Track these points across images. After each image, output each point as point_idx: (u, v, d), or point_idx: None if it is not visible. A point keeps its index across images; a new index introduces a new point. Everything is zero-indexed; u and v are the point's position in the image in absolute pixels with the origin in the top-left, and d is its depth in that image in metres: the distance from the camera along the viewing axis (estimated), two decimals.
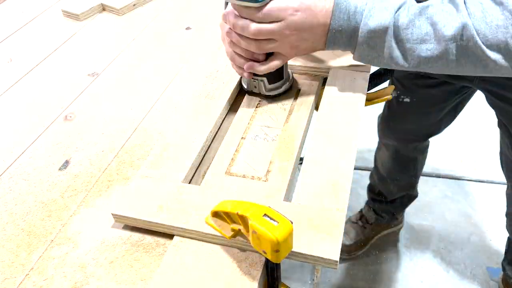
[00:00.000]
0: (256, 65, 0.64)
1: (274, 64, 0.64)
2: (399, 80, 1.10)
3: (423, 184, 1.73)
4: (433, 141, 1.30)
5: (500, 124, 1.01)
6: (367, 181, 1.51)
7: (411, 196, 1.49)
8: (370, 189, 1.51)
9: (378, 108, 1.21)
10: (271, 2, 0.58)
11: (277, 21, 0.58)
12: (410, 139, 1.27)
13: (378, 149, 1.40)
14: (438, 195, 1.73)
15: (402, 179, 1.39)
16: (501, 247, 1.42)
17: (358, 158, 1.78)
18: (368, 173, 1.51)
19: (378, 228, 1.56)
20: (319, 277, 1.49)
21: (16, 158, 0.65)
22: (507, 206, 1.19)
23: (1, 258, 0.52)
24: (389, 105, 1.22)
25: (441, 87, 1.03)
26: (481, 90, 0.97)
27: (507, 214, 1.22)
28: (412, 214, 1.65)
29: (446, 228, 1.60)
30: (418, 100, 1.11)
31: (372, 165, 1.47)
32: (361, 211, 1.57)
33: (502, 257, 1.38)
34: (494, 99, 0.95)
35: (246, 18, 0.59)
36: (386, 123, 1.27)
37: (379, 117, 1.30)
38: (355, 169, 1.72)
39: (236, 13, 0.60)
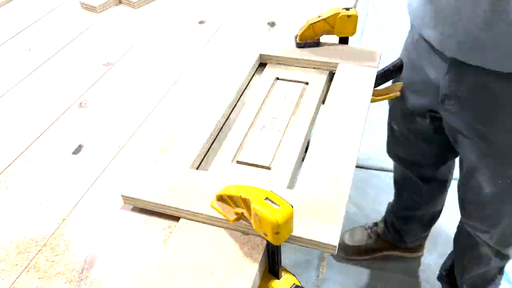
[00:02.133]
0: None
1: None
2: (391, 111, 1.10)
3: None
4: None
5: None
6: (377, 181, 1.50)
7: (414, 222, 1.37)
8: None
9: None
10: None
11: None
12: (409, 166, 1.22)
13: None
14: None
15: (406, 198, 1.32)
16: None
17: (372, 158, 1.77)
18: (381, 173, 1.47)
19: (382, 244, 1.48)
20: (324, 274, 1.50)
21: (32, 141, 0.68)
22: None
23: (16, 233, 0.55)
24: (388, 134, 1.20)
25: (426, 118, 1.00)
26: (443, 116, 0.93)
27: (459, 225, 1.19)
28: None
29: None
30: (403, 129, 1.09)
31: (386, 166, 1.43)
32: (376, 222, 1.52)
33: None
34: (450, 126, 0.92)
35: None
36: (387, 145, 1.25)
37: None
38: (365, 168, 1.74)
39: None
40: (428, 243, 1.56)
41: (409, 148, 1.15)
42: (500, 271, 1.19)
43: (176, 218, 0.54)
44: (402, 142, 1.14)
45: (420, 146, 1.11)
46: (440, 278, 1.35)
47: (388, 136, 1.21)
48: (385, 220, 1.48)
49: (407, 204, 1.33)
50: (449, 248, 1.52)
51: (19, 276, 0.50)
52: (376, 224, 1.52)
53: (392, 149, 1.24)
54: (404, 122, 1.08)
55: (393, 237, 1.45)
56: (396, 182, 1.35)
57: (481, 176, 0.93)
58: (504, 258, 1.10)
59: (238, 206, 0.49)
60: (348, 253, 1.51)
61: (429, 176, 1.21)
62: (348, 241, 1.51)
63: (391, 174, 1.77)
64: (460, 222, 1.16)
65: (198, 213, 0.52)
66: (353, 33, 0.76)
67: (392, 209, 1.42)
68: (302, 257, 1.53)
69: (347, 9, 0.74)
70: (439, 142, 1.06)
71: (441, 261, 1.49)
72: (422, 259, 1.52)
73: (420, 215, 1.34)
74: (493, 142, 0.85)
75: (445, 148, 1.06)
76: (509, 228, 1.00)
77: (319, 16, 0.76)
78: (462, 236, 1.17)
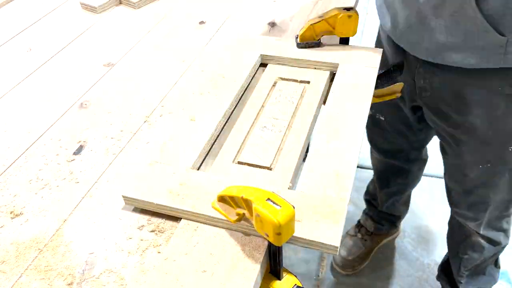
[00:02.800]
0: None
1: None
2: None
3: (432, 186, 1.74)
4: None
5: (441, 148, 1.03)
6: None
7: (407, 204, 1.46)
8: (367, 191, 1.49)
9: None
10: None
11: None
12: (395, 150, 1.25)
13: (371, 152, 1.36)
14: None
15: (393, 186, 1.36)
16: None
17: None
18: None
19: (378, 238, 1.51)
20: (324, 274, 1.50)
21: (32, 142, 0.68)
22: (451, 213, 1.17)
23: (16, 234, 0.55)
24: (367, 125, 1.20)
25: (402, 111, 1.04)
26: (423, 106, 0.97)
27: (449, 222, 1.22)
28: (420, 214, 1.65)
29: None
30: (391, 119, 1.12)
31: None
32: (358, 222, 1.53)
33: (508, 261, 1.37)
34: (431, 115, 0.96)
35: None
36: (369, 140, 1.27)
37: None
38: (365, 168, 1.73)
39: None
40: (427, 243, 1.56)
41: (397, 138, 1.17)
42: (496, 263, 1.21)
43: (177, 219, 0.54)
44: (389, 132, 1.16)
45: (407, 134, 1.14)
46: (439, 277, 1.36)
47: (371, 130, 1.24)
48: (371, 217, 1.49)
49: (395, 190, 1.38)
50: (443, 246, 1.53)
51: (20, 277, 0.50)
52: (360, 225, 1.52)
53: (377, 142, 1.26)
54: (391, 112, 1.10)
55: (388, 227, 1.50)
56: (381, 174, 1.36)
57: (463, 163, 0.96)
58: (496, 244, 1.13)
59: (239, 207, 0.49)
60: (355, 266, 1.48)
61: (414, 158, 1.27)
62: (349, 256, 1.47)
63: None
64: (451, 216, 1.19)
65: (199, 213, 0.52)
66: (353, 33, 0.76)
67: (380, 202, 1.43)
68: (302, 257, 1.53)
69: (348, 9, 0.74)
70: (426, 129, 1.11)
71: (438, 258, 1.50)
72: (422, 259, 1.52)
73: (407, 195, 1.42)
74: (469, 129, 0.89)
75: (431, 133, 1.14)
76: (495, 213, 1.04)
77: (320, 17, 0.76)
78: (454, 229, 1.20)
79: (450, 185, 1.08)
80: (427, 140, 1.21)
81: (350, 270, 1.48)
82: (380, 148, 1.27)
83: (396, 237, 1.57)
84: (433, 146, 1.84)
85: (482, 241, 1.11)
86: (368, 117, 1.16)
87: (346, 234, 1.54)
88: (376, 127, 1.19)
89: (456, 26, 0.74)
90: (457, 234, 1.18)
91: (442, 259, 1.35)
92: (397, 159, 1.27)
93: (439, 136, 1.01)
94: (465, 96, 0.84)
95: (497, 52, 0.74)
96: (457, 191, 1.05)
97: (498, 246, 1.14)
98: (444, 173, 1.09)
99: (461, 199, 1.06)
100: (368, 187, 1.49)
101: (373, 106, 1.10)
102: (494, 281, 1.25)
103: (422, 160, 1.32)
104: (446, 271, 1.31)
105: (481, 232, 1.08)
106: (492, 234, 1.10)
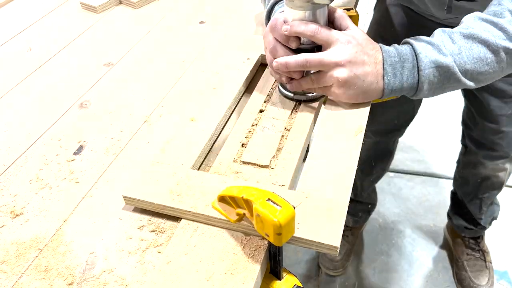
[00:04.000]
0: (303, 83, 0.65)
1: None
2: None
3: (433, 185, 1.74)
4: (441, 144, 1.30)
5: (466, 94, 1.10)
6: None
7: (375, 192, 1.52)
8: None
9: None
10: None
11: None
12: (390, 129, 1.28)
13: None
14: (447, 196, 1.73)
15: (375, 172, 1.41)
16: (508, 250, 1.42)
17: None
18: None
19: (356, 231, 1.54)
20: (324, 274, 1.50)
21: (33, 142, 0.68)
22: (457, 169, 1.34)
23: (17, 234, 0.55)
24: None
25: None
26: None
27: (457, 177, 1.36)
28: (419, 215, 1.65)
29: None
30: None
31: None
32: None
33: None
34: None
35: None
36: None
37: None
38: None
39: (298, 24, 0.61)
40: (427, 243, 1.56)
41: (392, 112, 1.19)
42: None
43: (178, 219, 0.54)
44: (390, 105, 1.16)
45: (401, 108, 1.18)
46: (454, 225, 1.46)
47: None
48: (349, 212, 1.47)
49: (375, 177, 1.43)
50: (449, 249, 1.53)
51: (20, 277, 0.50)
52: None
53: (378, 120, 1.26)
54: None
55: (364, 217, 1.54)
56: (366, 160, 1.36)
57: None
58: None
59: (239, 207, 0.49)
60: (344, 265, 1.49)
61: (397, 138, 1.35)
62: (335, 256, 1.47)
63: (391, 174, 1.78)
64: (463, 165, 1.30)
65: (199, 214, 0.52)
66: None
67: (359, 192, 1.44)
68: (302, 257, 1.54)
69: (348, 9, 0.74)
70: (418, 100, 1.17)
71: (437, 259, 1.51)
72: (422, 259, 1.52)
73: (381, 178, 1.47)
74: None
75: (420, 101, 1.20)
76: None
77: None
78: (470, 175, 1.29)
79: (485, 127, 1.11)
80: (417, 111, 1.24)
81: (341, 270, 1.49)
82: (376, 123, 1.25)
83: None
84: (433, 146, 1.85)
85: (503, 175, 1.21)
86: None
87: None
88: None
89: None
90: (475, 178, 1.25)
91: (448, 210, 1.47)
92: (388, 135, 1.31)
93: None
94: None
95: None
96: (495, 130, 1.09)
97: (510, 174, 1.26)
98: (469, 121, 1.15)
99: (495, 138, 1.11)
100: None
101: None
102: (498, 206, 1.39)
103: (397, 141, 1.39)
104: (459, 214, 1.41)
105: (507, 166, 1.19)
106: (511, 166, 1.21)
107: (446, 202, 1.69)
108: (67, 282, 0.49)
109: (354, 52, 0.61)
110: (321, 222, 0.50)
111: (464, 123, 1.21)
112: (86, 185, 0.61)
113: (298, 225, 0.49)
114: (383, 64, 0.62)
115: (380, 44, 0.64)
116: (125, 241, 0.53)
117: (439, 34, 0.63)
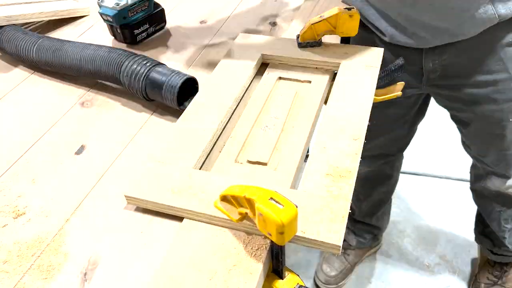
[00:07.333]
0: None
1: None
2: None
3: (431, 186, 1.74)
4: (442, 144, 1.29)
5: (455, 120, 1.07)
6: None
7: (386, 214, 1.45)
8: None
9: None
10: None
11: None
12: (383, 155, 1.24)
13: None
14: (447, 196, 1.73)
15: (376, 195, 1.35)
16: None
17: None
18: None
19: (360, 252, 1.49)
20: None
21: (34, 142, 0.68)
22: (470, 181, 1.26)
23: (19, 234, 0.55)
24: None
25: (395, 105, 1.03)
26: (431, 94, 1.02)
27: (471, 189, 1.27)
28: (419, 215, 1.65)
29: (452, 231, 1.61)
30: (378, 121, 1.11)
31: None
32: None
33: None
34: (443, 100, 1.00)
35: None
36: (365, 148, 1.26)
37: None
38: None
39: None
40: (427, 243, 1.56)
41: (387, 136, 1.16)
42: None
43: (180, 218, 0.54)
44: (380, 132, 1.14)
45: (397, 133, 1.15)
46: (481, 243, 1.38)
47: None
48: (352, 231, 1.45)
49: (380, 199, 1.37)
50: (449, 249, 1.53)
51: (22, 277, 0.50)
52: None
53: (368, 147, 1.25)
54: (380, 114, 1.09)
55: (370, 240, 1.47)
56: (365, 183, 1.31)
57: (493, 124, 0.97)
58: None
59: (242, 206, 0.49)
60: (338, 282, 1.45)
61: (398, 163, 1.31)
62: (332, 271, 1.45)
63: None
64: (474, 180, 1.22)
65: (201, 213, 0.52)
66: (354, 33, 0.76)
67: (359, 213, 1.40)
68: (303, 257, 1.54)
69: (349, 9, 0.74)
70: (414, 121, 1.14)
71: (441, 261, 1.50)
72: (422, 259, 1.52)
73: (389, 204, 1.41)
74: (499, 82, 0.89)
75: (415, 126, 1.18)
76: None
77: (320, 16, 0.76)
78: (482, 191, 1.22)
79: (484, 149, 1.08)
80: (411, 137, 1.22)
81: (334, 286, 1.45)
82: (367, 150, 1.25)
83: (378, 250, 1.55)
84: (432, 146, 1.85)
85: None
86: None
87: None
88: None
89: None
90: (487, 191, 1.19)
91: (474, 228, 1.38)
92: (382, 160, 1.25)
93: (453, 111, 1.02)
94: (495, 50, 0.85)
95: None
96: (494, 151, 1.06)
97: None
98: (467, 142, 1.10)
99: (495, 159, 1.07)
100: None
101: None
102: None
103: (401, 164, 1.34)
104: (484, 233, 1.33)
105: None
106: None
107: (446, 202, 1.69)
108: (69, 282, 0.49)
109: None
110: (323, 221, 0.50)
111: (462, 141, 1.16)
112: (87, 185, 0.61)
113: (300, 224, 0.49)
114: None
115: None
116: (128, 241, 0.53)
117: None
